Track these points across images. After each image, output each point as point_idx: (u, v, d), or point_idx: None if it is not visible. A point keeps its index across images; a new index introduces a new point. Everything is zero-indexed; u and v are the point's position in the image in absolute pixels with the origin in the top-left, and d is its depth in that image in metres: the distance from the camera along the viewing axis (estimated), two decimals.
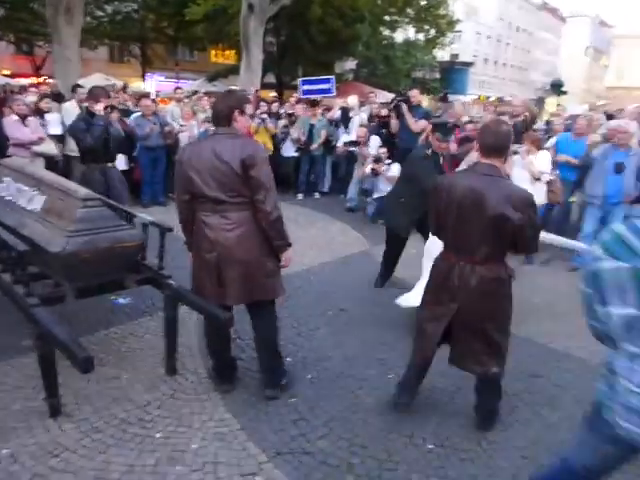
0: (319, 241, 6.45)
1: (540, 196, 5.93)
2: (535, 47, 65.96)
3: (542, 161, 5.87)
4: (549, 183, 5.88)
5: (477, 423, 3.10)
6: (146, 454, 2.69)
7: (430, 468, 2.72)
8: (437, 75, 27.48)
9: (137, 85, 22.88)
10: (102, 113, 5.42)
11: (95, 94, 5.45)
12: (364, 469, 2.68)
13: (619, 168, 5.73)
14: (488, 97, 11.36)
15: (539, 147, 5.95)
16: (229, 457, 2.70)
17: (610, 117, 8.88)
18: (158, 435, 2.84)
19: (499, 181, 2.74)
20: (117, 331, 3.98)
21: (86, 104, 5.76)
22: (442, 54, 32.01)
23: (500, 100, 9.20)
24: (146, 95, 9.69)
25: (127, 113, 8.12)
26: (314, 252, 6.15)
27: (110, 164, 5.76)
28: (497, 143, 2.78)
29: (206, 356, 3.67)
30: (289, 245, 3.07)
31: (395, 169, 7.71)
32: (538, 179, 5.82)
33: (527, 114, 7.03)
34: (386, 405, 3.21)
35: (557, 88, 23.27)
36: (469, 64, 23.74)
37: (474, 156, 3.38)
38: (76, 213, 2.95)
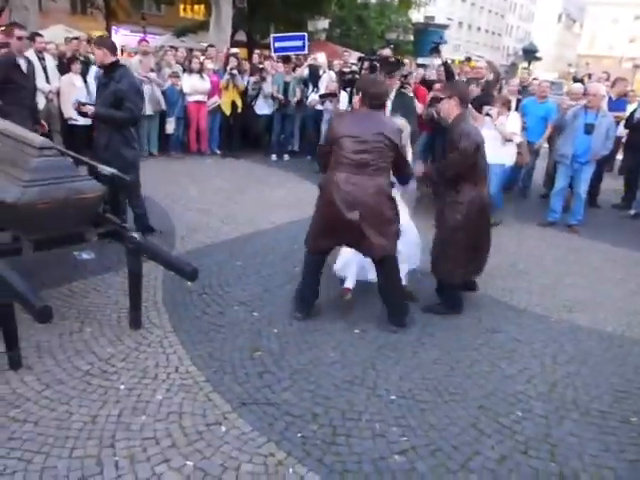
0: (288, 201, 6.40)
1: (510, 157, 6.00)
2: (509, 12, 65.61)
3: (512, 122, 5.90)
4: (518, 145, 5.95)
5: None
6: (110, 405, 2.68)
7: (392, 418, 2.79)
8: (411, 37, 27.10)
9: None
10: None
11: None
12: (327, 419, 2.73)
13: (589, 129, 5.92)
14: (462, 61, 11.34)
15: (509, 108, 5.97)
16: (194, 407, 2.71)
17: (578, 82, 9.01)
18: (122, 387, 2.83)
19: None
20: (80, 286, 3.90)
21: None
22: (417, 16, 31.56)
23: (467, 59, 9.16)
24: None
25: (87, 65, 7.77)
26: (283, 211, 6.12)
27: None
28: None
29: (172, 309, 3.66)
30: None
31: None
32: (509, 140, 5.87)
33: (491, 75, 7.05)
34: (350, 359, 3.27)
35: (530, 54, 23.36)
36: (444, 27, 23.44)
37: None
38: (32, 162, 2.84)
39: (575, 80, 9.44)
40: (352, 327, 3.66)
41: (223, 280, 4.21)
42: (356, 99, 3.77)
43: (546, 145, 7.71)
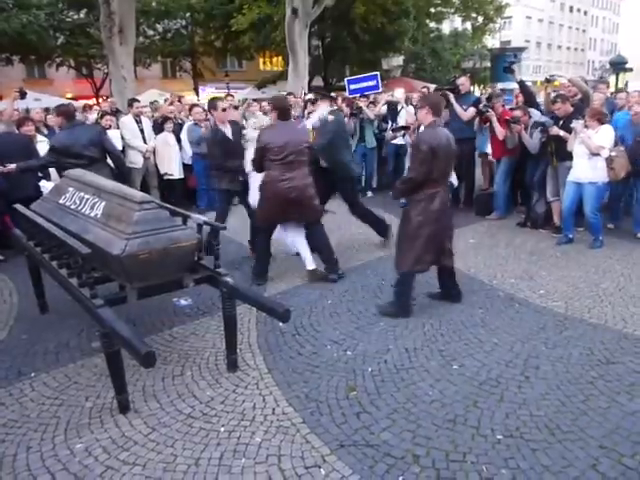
0: (375, 237, 6.37)
1: (600, 173, 5.59)
2: (591, 26, 62.99)
3: (603, 136, 5.51)
4: (609, 159, 5.54)
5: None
6: (211, 447, 2.73)
7: (500, 459, 2.61)
8: (488, 64, 26.72)
9: (190, 98, 23.60)
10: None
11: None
12: (430, 460, 2.61)
13: None
14: (548, 81, 10.92)
15: (602, 121, 5.59)
16: (292, 450, 2.69)
17: None
18: (222, 429, 2.88)
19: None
20: (179, 331, 4.08)
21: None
22: (492, 42, 31.18)
23: (547, 81, 8.73)
24: (197, 104, 9.93)
25: (180, 125, 8.36)
26: (370, 248, 6.11)
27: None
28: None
29: (266, 351, 3.72)
30: None
31: None
32: (597, 154, 5.50)
33: (579, 94, 6.69)
34: (451, 396, 3.12)
35: (618, 66, 22.12)
36: (521, 49, 22.84)
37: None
38: (133, 216, 3.05)
39: None
40: (450, 362, 3.51)
41: (314, 320, 4.23)
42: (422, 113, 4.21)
43: None
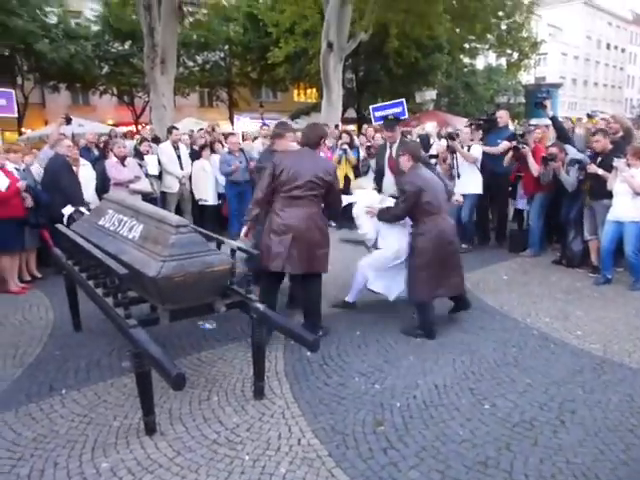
0: None
1: None
2: (629, 63, 62.50)
3: None
4: None
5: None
6: (235, 475, 2.69)
7: None
8: (522, 99, 26.66)
9: (225, 127, 24.19)
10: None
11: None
12: None
13: None
14: (579, 118, 10.84)
15: None
16: None
17: None
18: (247, 457, 2.84)
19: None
20: (208, 355, 4.09)
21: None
22: (527, 78, 31.16)
23: (589, 116, 8.65)
24: (233, 133, 10.18)
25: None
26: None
27: None
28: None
29: (293, 380, 3.68)
30: None
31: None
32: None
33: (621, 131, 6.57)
34: (482, 437, 3.02)
35: None
36: (556, 85, 22.74)
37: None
38: (170, 239, 3.10)
39: None
40: (481, 401, 3.41)
41: (342, 350, 4.18)
42: (403, 159, 4.59)
43: None
